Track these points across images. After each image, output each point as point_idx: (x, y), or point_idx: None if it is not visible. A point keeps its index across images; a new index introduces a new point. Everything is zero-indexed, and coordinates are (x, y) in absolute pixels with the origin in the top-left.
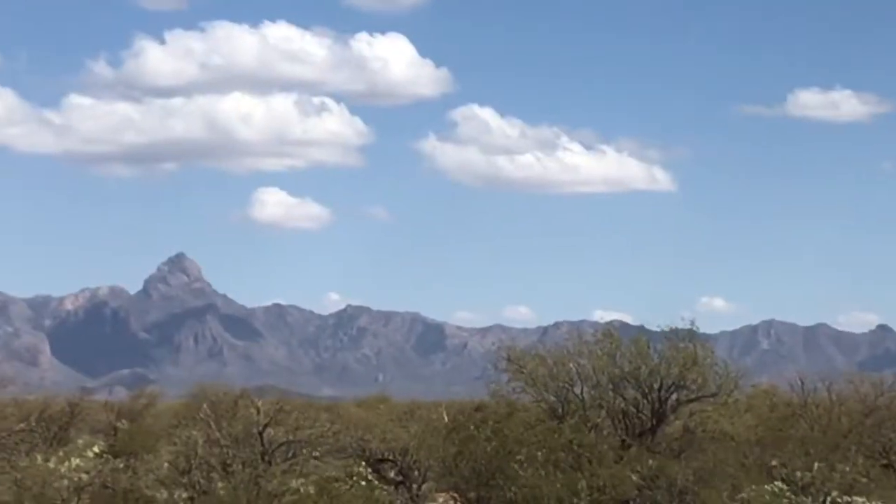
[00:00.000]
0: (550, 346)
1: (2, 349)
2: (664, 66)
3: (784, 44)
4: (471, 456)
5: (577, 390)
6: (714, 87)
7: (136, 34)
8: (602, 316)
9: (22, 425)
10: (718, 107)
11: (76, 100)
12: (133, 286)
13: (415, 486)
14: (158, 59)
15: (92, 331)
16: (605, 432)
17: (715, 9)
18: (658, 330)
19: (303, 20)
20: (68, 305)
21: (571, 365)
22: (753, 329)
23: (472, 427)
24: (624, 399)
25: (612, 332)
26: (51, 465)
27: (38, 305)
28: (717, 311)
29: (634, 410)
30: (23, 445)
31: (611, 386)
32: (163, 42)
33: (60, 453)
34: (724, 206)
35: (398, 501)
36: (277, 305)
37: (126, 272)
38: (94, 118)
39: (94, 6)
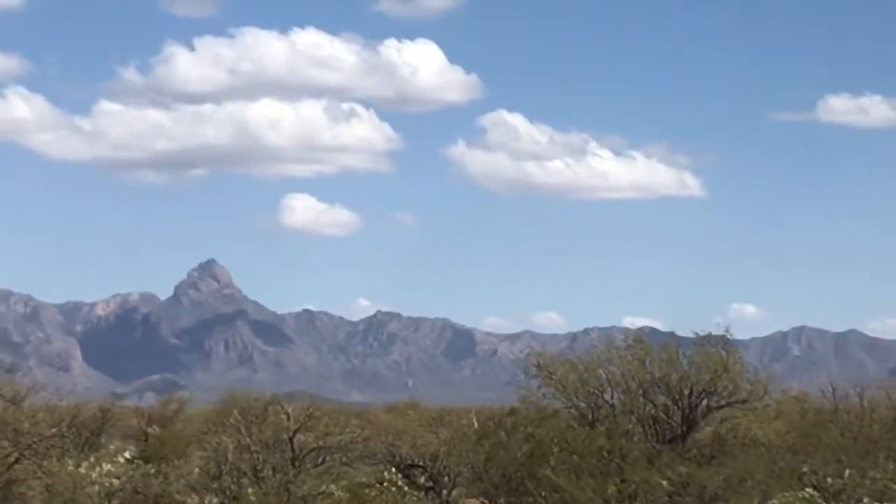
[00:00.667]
0: (580, 352)
1: (34, 355)
2: (694, 72)
3: (814, 50)
4: (501, 462)
5: (608, 396)
6: (744, 93)
7: (165, 41)
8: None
9: (53, 430)
10: (748, 112)
11: (106, 106)
12: (164, 292)
13: (445, 491)
14: (188, 65)
15: (123, 336)
16: (635, 438)
17: (745, 14)
18: (688, 336)
19: (331, 26)
20: (99, 311)
21: (601, 371)
22: (784, 335)
23: (502, 433)
24: (654, 405)
25: (642, 338)
26: (82, 470)
27: (70, 311)
28: (747, 317)
29: (665, 416)
30: (54, 451)
31: (641, 392)
32: (192, 49)
33: (91, 458)
34: (755, 212)
35: None
36: (307, 311)
37: (157, 278)
38: (124, 124)
39: (123, 13)
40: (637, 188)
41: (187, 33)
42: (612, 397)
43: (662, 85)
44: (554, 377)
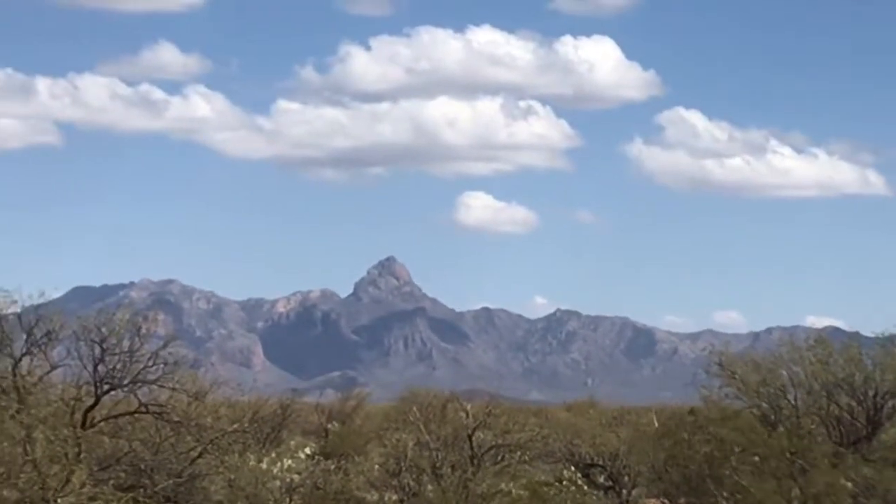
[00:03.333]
0: (762, 351)
1: (216, 350)
2: (879, 68)
3: None
4: (681, 461)
5: (790, 397)
6: None
7: (341, 40)
8: (815, 322)
9: (235, 426)
10: None
11: (284, 105)
12: (343, 290)
13: (625, 491)
14: (364, 64)
15: (303, 333)
16: (818, 439)
17: None
18: (873, 336)
19: (507, 24)
20: (280, 308)
21: (783, 371)
22: None
23: (683, 433)
24: (838, 406)
25: (825, 339)
26: (263, 465)
27: (251, 308)
28: None
29: (849, 417)
30: (236, 446)
31: (824, 393)
32: (368, 48)
33: (273, 454)
34: None
35: None
36: (486, 309)
37: (336, 276)
38: (303, 123)
39: (300, 13)
40: (819, 186)
41: (363, 33)
42: (794, 398)
43: (845, 81)
44: (736, 377)
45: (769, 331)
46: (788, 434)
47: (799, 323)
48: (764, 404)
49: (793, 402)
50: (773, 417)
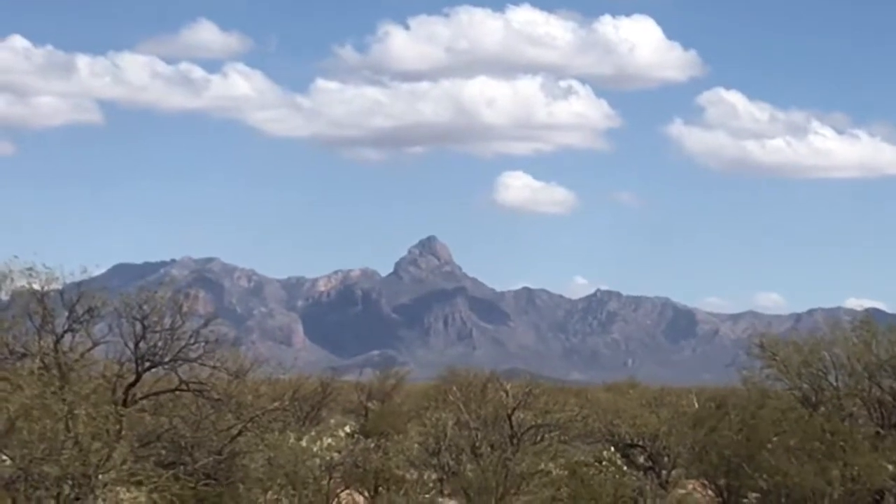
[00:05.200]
0: (804, 333)
1: (257, 329)
2: None
3: None
4: (720, 443)
5: (831, 379)
6: None
7: (380, 19)
8: (857, 304)
9: (276, 404)
10: None
11: (323, 84)
12: (384, 269)
13: (664, 472)
14: (404, 43)
15: (344, 312)
16: (859, 421)
17: None
18: None
19: (546, 4)
20: (321, 287)
21: (825, 353)
22: None
23: (723, 414)
24: (880, 388)
25: (869, 320)
26: (303, 443)
27: (292, 287)
28: None
29: (891, 400)
30: (276, 424)
31: (866, 375)
32: (407, 27)
33: (313, 432)
34: None
35: (647, 487)
36: (527, 289)
37: (377, 255)
38: (342, 102)
39: None
40: (861, 167)
41: (402, 12)
42: (836, 380)
43: (886, 61)
44: (777, 358)
45: (811, 312)
46: (829, 416)
47: (840, 304)
48: (805, 386)
49: (834, 384)
50: (813, 399)
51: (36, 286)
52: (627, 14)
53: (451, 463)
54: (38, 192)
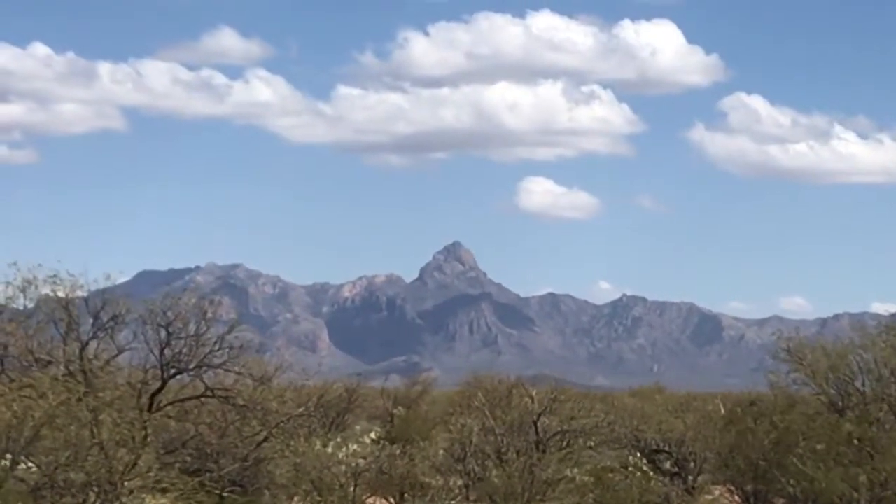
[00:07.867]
0: (830, 338)
1: (282, 335)
2: None
3: None
4: (747, 449)
5: (858, 384)
6: None
7: (399, 26)
8: (882, 308)
9: (301, 410)
10: None
11: (344, 90)
12: (409, 274)
13: (690, 477)
14: (424, 50)
15: (368, 318)
16: (886, 427)
17: None
18: None
19: (566, 9)
20: (346, 293)
21: (852, 357)
22: None
23: (749, 420)
24: None
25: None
26: (328, 450)
27: (317, 292)
28: None
29: None
30: (301, 430)
31: (893, 380)
32: (427, 34)
33: (338, 439)
34: None
35: (673, 493)
36: (551, 294)
37: (402, 260)
38: (364, 108)
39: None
40: (885, 172)
41: (421, 19)
42: (863, 384)
43: None
44: (804, 363)
45: (837, 317)
46: (855, 421)
47: (866, 309)
48: (832, 391)
49: (861, 388)
50: (840, 404)
51: (61, 293)
52: (648, 18)
53: (477, 469)
54: (61, 199)
